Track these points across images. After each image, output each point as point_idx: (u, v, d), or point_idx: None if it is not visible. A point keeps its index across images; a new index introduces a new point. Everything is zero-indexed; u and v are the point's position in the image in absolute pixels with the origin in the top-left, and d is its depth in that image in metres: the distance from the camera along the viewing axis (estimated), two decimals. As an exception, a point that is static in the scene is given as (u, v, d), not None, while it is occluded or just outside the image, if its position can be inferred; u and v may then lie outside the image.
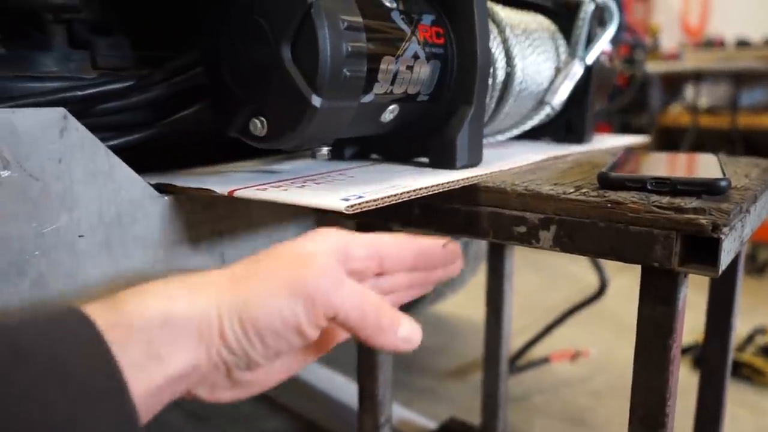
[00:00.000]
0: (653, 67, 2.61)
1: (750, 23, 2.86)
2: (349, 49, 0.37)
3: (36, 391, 0.21)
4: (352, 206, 0.34)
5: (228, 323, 0.26)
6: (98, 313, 0.24)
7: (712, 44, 2.81)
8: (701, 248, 0.37)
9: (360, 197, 0.36)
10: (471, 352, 1.32)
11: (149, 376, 0.24)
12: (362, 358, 0.57)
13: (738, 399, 1.10)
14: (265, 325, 0.27)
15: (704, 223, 0.36)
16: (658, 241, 0.37)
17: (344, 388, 1.09)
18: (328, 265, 0.29)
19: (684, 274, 0.39)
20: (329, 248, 0.31)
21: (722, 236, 0.35)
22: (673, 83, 2.96)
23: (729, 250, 0.37)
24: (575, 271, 1.80)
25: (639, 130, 2.66)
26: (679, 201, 0.38)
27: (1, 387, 0.20)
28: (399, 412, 0.97)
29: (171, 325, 0.25)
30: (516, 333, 0.88)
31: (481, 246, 1.28)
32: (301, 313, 0.27)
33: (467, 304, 1.54)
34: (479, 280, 1.37)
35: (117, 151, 0.41)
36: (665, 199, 0.39)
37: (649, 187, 0.41)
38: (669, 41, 3.11)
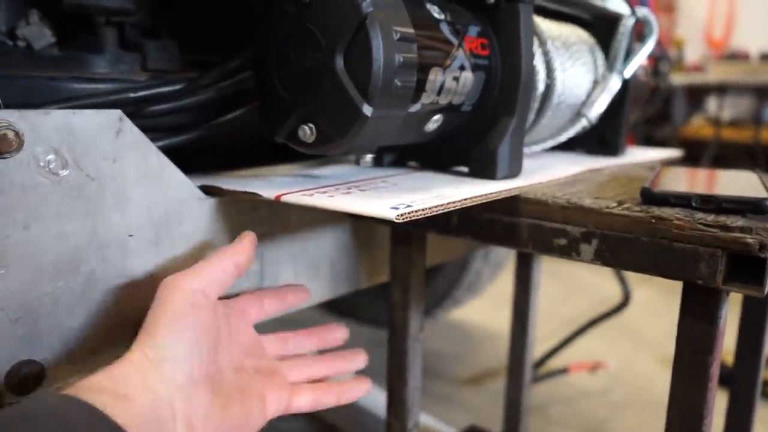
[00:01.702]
0: (677, 79, 2.60)
1: (775, 37, 2.84)
2: (401, 59, 0.38)
3: None
4: (401, 215, 0.35)
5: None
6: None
7: (736, 57, 2.79)
8: (745, 267, 0.37)
9: (409, 206, 0.36)
10: (487, 360, 1.32)
11: None
12: (392, 362, 0.58)
13: (763, 418, 1.09)
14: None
15: (751, 242, 0.36)
16: (703, 259, 0.37)
17: (362, 392, 1.09)
18: None
19: (726, 292, 0.39)
20: None
21: (769, 256, 0.35)
22: (696, 95, 2.94)
23: (774, 269, 0.37)
24: (594, 282, 1.79)
25: (661, 142, 2.64)
26: (724, 219, 0.38)
27: None
28: (420, 417, 0.97)
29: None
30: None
31: (500, 253, 1.28)
32: None
33: (484, 312, 1.54)
34: (495, 286, 1.37)
35: (163, 152, 0.42)
36: (710, 217, 0.39)
37: (693, 204, 0.41)
38: (693, 53, 3.09)
